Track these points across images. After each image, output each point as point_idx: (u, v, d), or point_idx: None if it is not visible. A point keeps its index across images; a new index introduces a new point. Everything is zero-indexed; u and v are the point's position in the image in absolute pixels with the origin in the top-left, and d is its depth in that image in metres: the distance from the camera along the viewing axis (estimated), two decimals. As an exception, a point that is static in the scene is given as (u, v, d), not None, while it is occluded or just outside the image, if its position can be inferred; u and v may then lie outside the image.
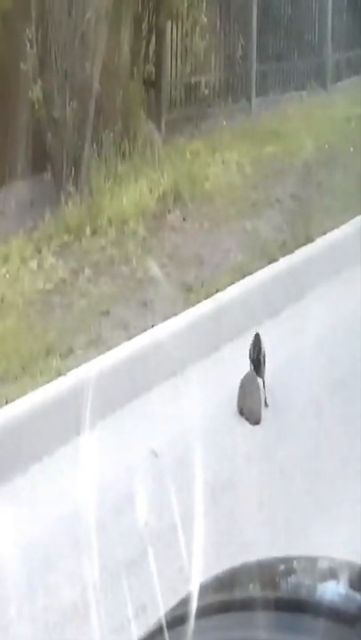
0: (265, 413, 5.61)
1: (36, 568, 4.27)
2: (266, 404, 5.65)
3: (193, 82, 10.69)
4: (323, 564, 1.63)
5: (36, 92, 7.97)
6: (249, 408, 5.65)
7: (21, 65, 7.98)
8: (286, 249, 7.53)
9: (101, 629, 3.89)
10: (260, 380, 5.69)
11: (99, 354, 5.81)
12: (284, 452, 5.27)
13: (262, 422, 5.57)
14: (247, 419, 5.63)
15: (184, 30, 10.36)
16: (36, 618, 4.02)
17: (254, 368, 5.69)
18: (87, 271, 6.90)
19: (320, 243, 7.77)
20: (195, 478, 4.65)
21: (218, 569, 1.65)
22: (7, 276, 6.80)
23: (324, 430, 5.39)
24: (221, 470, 4.99)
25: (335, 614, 1.35)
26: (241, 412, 5.67)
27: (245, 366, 5.70)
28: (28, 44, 7.94)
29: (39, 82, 7.98)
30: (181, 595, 1.55)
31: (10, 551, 4.34)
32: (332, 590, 1.51)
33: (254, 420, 5.62)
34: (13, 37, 8.11)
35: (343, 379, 5.92)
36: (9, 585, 4.17)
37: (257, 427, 5.53)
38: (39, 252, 7.15)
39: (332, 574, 1.58)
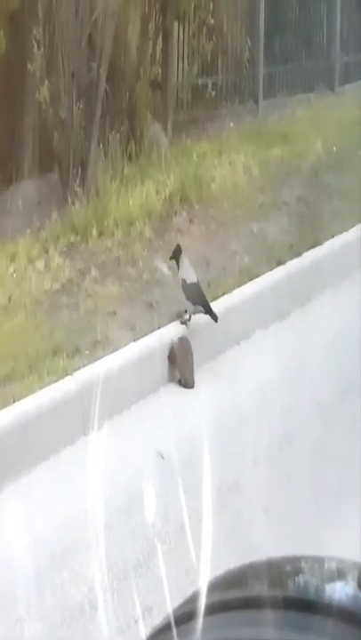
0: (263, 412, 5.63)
1: (42, 567, 4.27)
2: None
3: (200, 83, 10.70)
4: (331, 565, 1.63)
5: (43, 93, 7.97)
6: (184, 373, 5.97)
7: (29, 65, 7.99)
8: (294, 252, 7.52)
9: (108, 629, 3.89)
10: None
11: (105, 354, 5.82)
12: (292, 456, 5.26)
13: (269, 426, 5.55)
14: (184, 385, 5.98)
15: (191, 31, 10.38)
16: (44, 616, 4.02)
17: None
18: (94, 272, 6.90)
19: (328, 246, 7.77)
20: (201, 480, 4.65)
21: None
22: (15, 275, 6.80)
23: (331, 434, 5.38)
24: (228, 473, 4.99)
25: (343, 614, 1.35)
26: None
27: (255, 368, 5.69)
28: (36, 45, 7.95)
29: (46, 82, 7.98)
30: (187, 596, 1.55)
31: (17, 549, 4.34)
32: (341, 590, 1.51)
33: (191, 383, 5.96)
34: (21, 38, 8.12)
35: (350, 382, 5.91)
36: (17, 583, 4.17)
37: (263, 430, 5.51)
38: (46, 251, 7.15)
39: (340, 574, 1.58)
